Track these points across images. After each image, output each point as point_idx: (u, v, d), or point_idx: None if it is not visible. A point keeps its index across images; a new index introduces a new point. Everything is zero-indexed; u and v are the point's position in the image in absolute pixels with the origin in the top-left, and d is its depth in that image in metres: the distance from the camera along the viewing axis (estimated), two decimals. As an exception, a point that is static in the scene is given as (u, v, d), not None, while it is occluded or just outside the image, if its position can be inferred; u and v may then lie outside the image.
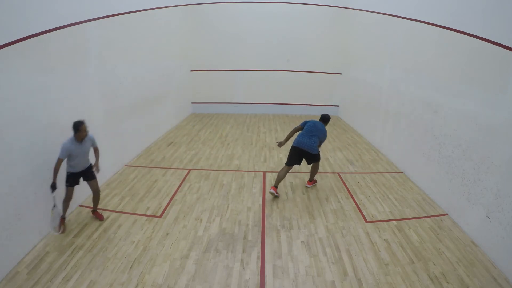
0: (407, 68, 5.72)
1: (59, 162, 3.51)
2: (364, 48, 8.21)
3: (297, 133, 4.88)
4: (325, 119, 4.92)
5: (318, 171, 5.07)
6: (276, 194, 4.67)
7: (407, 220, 4.17)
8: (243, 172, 5.66)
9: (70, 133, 3.78)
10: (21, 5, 3.24)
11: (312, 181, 5.09)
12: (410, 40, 5.65)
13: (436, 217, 4.24)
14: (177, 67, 8.91)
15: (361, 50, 8.38)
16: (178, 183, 5.14)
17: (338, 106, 10.33)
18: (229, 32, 9.78)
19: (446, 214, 4.31)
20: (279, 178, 4.67)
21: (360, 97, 8.31)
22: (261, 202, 4.59)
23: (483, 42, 3.71)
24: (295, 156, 4.71)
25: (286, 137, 4.93)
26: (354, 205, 4.55)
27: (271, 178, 5.39)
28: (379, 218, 4.21)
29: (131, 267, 3.22)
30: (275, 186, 4.65)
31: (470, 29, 3.96)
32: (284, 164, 4.81)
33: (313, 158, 4.79)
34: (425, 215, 4.30)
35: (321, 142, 4.80)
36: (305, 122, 4.82)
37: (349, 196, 4.82)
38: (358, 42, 8.64)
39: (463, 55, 4.15)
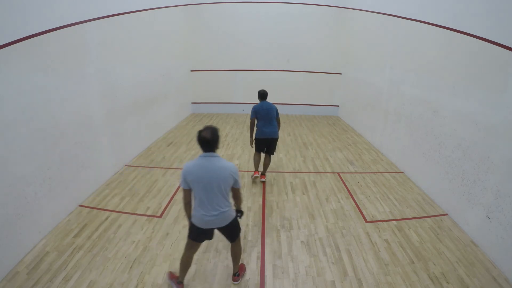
0: (407, 68, 5.72)
1: None
2: (364, 48, 8.21)
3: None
4: (265, 95, 5.03)
5: (319, 171, 5.07)
6: (262, 180, 5.16)
7: (407, 220, 4.17)
8: (243, 172, 5.66)
9: (70, 133, 3.79)
10: (21, 5, 3.24)
11: (265, 174, 5.27)
12: (410, 40, 5.65)
13: (436, 217, 4.24)
14: (177, 67, 8.91)
15: (361, 50, 8.38)
16: (178, 183, 5.14)
17: (338, 106, 10.34)
18: (229, 32, 9.78)
19: (446, 214, 4.31)
20: (257, 163, 5.10)
21: (360, 97, 8.31)
22: (261, 202, 4.59)
23: (483, 42, 3.71)
24: (262, 146, 5.03)
25: (251, 134, 5.03)
26: (354, 205, 4.54)
27: (271, 179, 5.39)
28: (379, 218, 4.21)
29: (131, 267, 3.21)
30: (257, 170, 5.15)
31: (470, 29, 3.96)
32: (255, 151, 5.10)
33: (275, 143, 5.04)
34: (425, 215, 4.30)
35: (277, 120, 4.99)
36: (256, 112, 4.87)
37: (349, 196, 4.82)
38: (358, 42, 8.64)
39: (463, 55, 4.15)
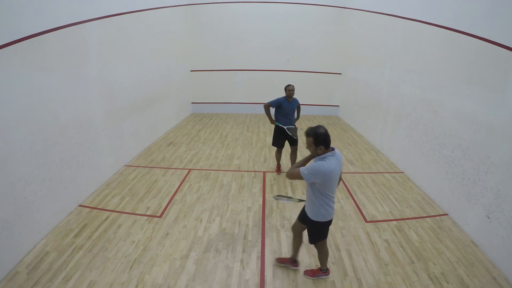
0: (407, 68, 5.72)
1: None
2: (364, 48, 8.21)
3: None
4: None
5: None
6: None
7: (407, 220, 4.17)
8: (243, 172, 5.66)
9: (70, 133, 3.77)
10: (20, 5, 3.24)
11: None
12: (410, 40, 5.65)
13: (436, 217, 4.24)
14: (177, 67, 8.91)
15: (361, 50, 8.38)
16: (178, 183, 5.14)
17: (338, 106, 10.33)
18: (229, 32, 9.79)
19: (446, 214, 4.31)
20: None
21: (360, 97, 8.31)
22: (261, 202, 4.59)
23: (483, 42, 3.71)
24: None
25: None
26: (354, 205, 4.54)
27: (271, 178, 5.39)
28: (379, 218, 4.21)
29: (131, 267, 3.22)
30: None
31: (470, 29, 3.95)
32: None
33: None
34: (425, 215, 4.30)
35: None
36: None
37: (349, 196, 4.82)
38: (358, 42, 8.64)
39: (463, 55, 4.15)
